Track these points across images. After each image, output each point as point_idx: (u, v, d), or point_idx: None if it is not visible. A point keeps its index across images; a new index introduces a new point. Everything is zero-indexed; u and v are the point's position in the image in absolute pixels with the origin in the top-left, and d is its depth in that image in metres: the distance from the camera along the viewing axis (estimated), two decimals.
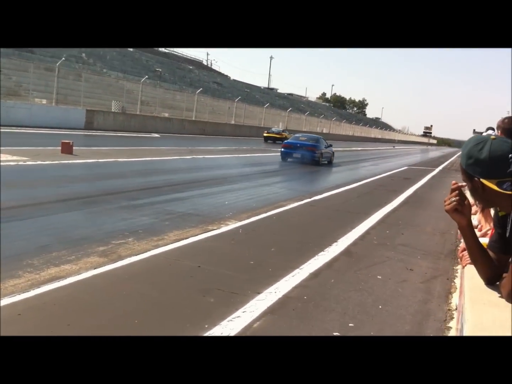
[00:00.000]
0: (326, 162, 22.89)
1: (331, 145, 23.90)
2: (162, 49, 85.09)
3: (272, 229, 7.80)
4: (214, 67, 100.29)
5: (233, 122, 48.09)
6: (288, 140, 23.60)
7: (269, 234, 7.41)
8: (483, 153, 1.98)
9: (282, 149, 21.91)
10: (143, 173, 12.62)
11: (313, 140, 22.59)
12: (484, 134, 4.79)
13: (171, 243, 6.24)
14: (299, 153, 21.07)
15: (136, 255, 5.59)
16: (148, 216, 7.63)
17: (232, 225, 7.65)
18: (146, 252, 5.75)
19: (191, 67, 76.28)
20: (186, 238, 6.55)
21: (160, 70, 56.10)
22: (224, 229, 7.37)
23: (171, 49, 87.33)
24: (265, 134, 42.19)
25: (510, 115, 4.83)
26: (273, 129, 45.45)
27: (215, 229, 7.26)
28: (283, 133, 41.73)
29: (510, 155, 1.96)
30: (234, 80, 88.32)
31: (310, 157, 21.08)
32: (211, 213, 8.45)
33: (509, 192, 1.94)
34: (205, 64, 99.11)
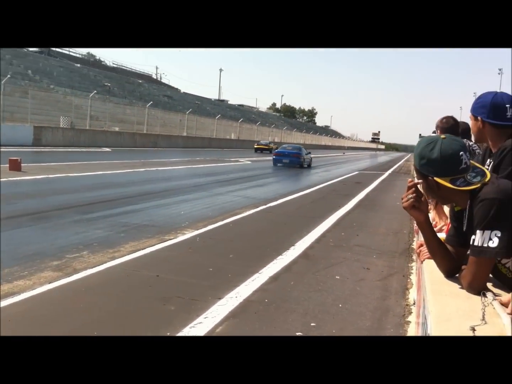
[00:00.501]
0: (306, 165, 28.76)
1: (310, 152, 30.29)
2: (110, 64, 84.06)
3: (230, 236, 7.79)
4: (163, 80, 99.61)
5: (185, 134, 47.84)
6: (278, 150, 30.27)
7: (227, 241, 7.39)
8: (434, 152, 2.05)
9: (274, 157, 28.27)
10: (95, 187, 12.36)
11: (296, 149, 29.20)
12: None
13: (128, 254, 6.13)
14: (287, 159, 27.37)
15: (92, 267, 5.46)
16: (102, 229, 7.48)
17: (189, 234, 7.60)
18: (102, 264, 5.63)
19: (140, 81, 75.47)
20: (143, 249, 6.46)
21: (109, 84, 55.23)
22: (181, 238, 7.31)
23: (120, 63, 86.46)
24: (255, 146, 49.54)
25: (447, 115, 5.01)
26: (261, 141, 53.16)
27: (172, 239, 7.19)
28: (269, 144, 49.96)
29: (460, 153, 2.04)
30: (185, 93, 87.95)
31: (296, 162, 27.37)
32: (167, 223, 8.37)
33: (463, 188, 2.01)
34: (155, 77, 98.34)
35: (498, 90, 2.71)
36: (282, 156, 27.89)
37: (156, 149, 36.97)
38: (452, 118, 4.96)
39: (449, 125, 4.80)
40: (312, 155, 30.57)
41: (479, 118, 2.66)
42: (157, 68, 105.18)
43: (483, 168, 2.13)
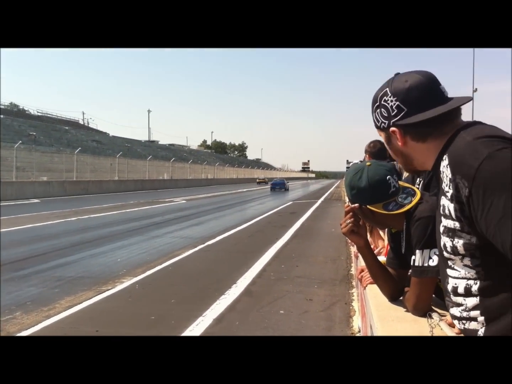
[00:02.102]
0: (287, 189, 51.14)
1: (288, 182, 57.12)
2: (35, 112, 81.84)
3: (170, 280, 7.67)
4: (91, 125, 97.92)
5: (116, 178, 47.02)
6: (273, 182, 53.89)
7: (167, 286, 7.27)
8: (362, 181, 2.06)
9: (271, 186, 51.34)
10: (25, 241, 11.85)
11: (282, 180, 55.11)
12: (356, 161, 5.16)
13: (64, 311, 5.91)
14: (279, 186, 50.39)
15: (26, 329, 5.21)
16: (35, 286, 7.17)
17: (128, 282, 7.42)
18: (38, 324, 5.39)
19: (67, 127, 73.83)
20: (79, 303, 6.24)
21: (35, 133, 53.61)
22: (119, 287, 7.12)
23: (44, 111, 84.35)
24: (258, 180, 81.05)
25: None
26: (259, 177, 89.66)
27: (109, 289, 6.99)
28: (265, 178, 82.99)
29: (387, 177, 2.06)
30: (114, 136, 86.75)
31: (283, 187, 50.32)
32: (103, 273, 8.13)
33: (396, 212, 2.02)
34: (82, 123, 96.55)
35: None
36: (276, 185, 51.32)
37: (88, 195, 36.05)
38: (379, 142, 5.15)
39: (377, 149, 4.99)
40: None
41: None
42: (83, 113, 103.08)
43: (412, 187, 2.14)
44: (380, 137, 1.64)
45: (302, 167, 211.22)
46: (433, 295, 2.07)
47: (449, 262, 1.44)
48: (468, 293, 1.40)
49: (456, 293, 1.44)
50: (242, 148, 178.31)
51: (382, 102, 1.52)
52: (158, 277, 7.91)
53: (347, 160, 43.97)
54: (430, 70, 1.49)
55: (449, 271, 1.46)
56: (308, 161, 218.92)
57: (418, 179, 2.90)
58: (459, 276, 1.41)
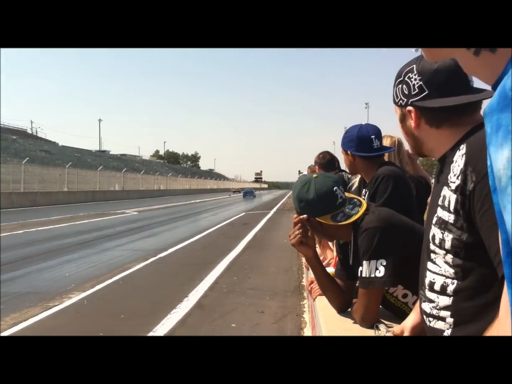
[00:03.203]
0: (255, 195, 73.50)
1: (255, 190, 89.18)
2: None
3: (120, 295, 7.54)
4: (40, 134, 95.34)
5: (66, 189, 45.84)
6: (244, 191, 75.88)
7: (117, 301, 7.15)
8: (310, 193, 2.09)
9: (244, 193, 73.16)
10: None
11: (251, 189, 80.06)
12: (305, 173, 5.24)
13: (9, 328, 5.72)
14: (249, 193, 71.27)
15: None
16: None
17: (76, 297, 7.25)
18: None
19: (14, 136, 71.55)
20: (25, 320, 6.05)
21: None
22: (67, 303, 6.94)
23: None
24: (233, 190, 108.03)
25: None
26: (234, 187, 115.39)
27: (57, 305, 6.81)
28: (238, 189, 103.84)
29: (334, 188, 2.09)
30: (63, 146, 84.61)
31: (253, 194, 72.87)
32: (50, 288, 7.91)
33: (344, 223, 2.05)
34: (30, 132, 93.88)
35: (363, 123, 2.88)
36: (247, 193, 71.32)
37: (36, 207, 35.00)
38: (328, 153, 5.27)
39: (326, 160, 5.10)
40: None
41: (349, 152, 2.84)
42: (32, 122, 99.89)
43: (358, 198, 2.19)
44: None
45: (255, 178, 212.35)
46: (380, 306, 2.10)
47: (432, 255, 1.41)
48: (443, 291, 1.37)
49: (431, 289, 1.41)
50: (195, 158, 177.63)
51: (406, 79, 1.47)
52: (107, 291, 7.76)
53: (299, 171, 44.50)
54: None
55: (429, 265, 1.43)
56: (261, 171, 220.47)
57: (364, 189, 2.99)
58: (438, 272, 1.38)
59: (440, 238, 1.35)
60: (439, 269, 1.38)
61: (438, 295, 1.39)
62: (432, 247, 1.40)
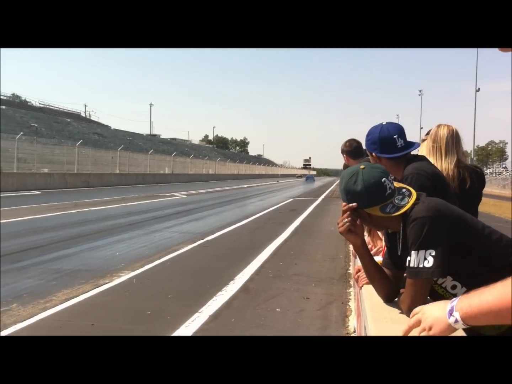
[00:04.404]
0: (315, 179, 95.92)
1: (314, 175, 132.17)
2: (37, 104, 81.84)
3: (168, 275, 7.66)
4: (93, 118, 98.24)
5: (117, 171, 46.98)
6: (307, 176, 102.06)
7: (165, 281, 7.26)
8: (358, 185, 2.03)
9: (306, 178, 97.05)
10: (24, 233, 11.84)
11: (311, 175, 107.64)
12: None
13: (61, 304, 5.90)
14: (310, 178, 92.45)
15: (22, 321, 5.20)
16: (33, 278, 7.16)
17: (125, 276, 7.41)
18: (33, 316, 5.38)
19: (68, 120, 73.88)
20: (76, 296, 6.23)
21: (36, 125, 53.52)
22: (116, 281, 7.11)
23: (46, 103, 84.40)
24: (297, 176, 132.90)
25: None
26: (297, 174, 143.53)
27: (107, 283, 6.98)
28: (301, 175, 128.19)
29: (383, 179, 2.03)
30: (115, 130, 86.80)
31: (313, 179, 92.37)
32: (101, 267, 8.12)
33: (394, 215, 1.99)
34: (84, 115, 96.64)
35: (384, 122, 2.74)
36: (308, 178, 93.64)
37: (88, 188, 36.06)
38: (354, 140, 5.11)
39: (353, 148, 4.96)
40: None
41: (373, 154, 2.75)
42: (85, 106, 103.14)
43: (407, 187, 2.11)
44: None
45: (304, 164, 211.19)
46: (428, 297, 2.02)
47: None
48: None
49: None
50: (243, 143, 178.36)
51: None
52: (156, 272, 7.90)
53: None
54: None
55: None
56: (310, 158, 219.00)
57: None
58: None
59: None
60: None
61: None
62: None
